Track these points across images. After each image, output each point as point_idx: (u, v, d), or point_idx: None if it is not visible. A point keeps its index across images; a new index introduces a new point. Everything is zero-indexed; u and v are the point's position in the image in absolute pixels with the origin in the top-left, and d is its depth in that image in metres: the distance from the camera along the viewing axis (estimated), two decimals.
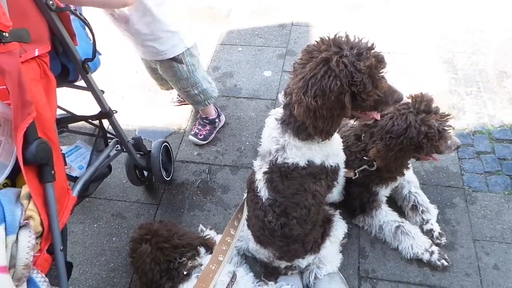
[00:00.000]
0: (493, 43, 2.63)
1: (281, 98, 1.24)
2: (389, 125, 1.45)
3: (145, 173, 2.02)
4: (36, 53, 1.02)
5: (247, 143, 2.23)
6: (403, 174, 1.71)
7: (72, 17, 1.17)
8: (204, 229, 1.83)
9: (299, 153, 1.24)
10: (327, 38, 1.12)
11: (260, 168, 1.36)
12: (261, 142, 1.38)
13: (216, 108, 2.29)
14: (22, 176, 1.12)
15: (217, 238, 1.76)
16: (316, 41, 1.14)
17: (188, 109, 2.44)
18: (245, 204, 1.44)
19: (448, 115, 1.48)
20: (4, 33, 0.86)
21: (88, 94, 1.42)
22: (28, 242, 0.96)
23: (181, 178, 2.10)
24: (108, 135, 1.66)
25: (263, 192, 1.35)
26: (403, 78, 2.37)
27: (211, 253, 1.46)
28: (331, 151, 1.32)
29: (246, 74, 2.63)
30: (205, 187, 2.06)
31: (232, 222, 1.40)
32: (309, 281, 1.62)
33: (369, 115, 1.23)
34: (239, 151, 2.20)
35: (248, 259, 1.73)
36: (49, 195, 1.04)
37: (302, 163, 1.25)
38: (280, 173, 1.28)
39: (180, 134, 2.31)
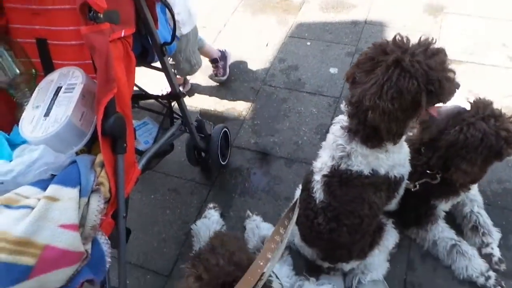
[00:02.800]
0: None
1: (343, 107, 1.24)
2: (462, 139, 1.37)
3: (203, 154, 2.10)
4: (123, 34, 1.09)
5: (305, 138, 2.23)
6: (469, 189, 1.61)
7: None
8: (250, 214, 1.88)
9: (365, 161, 1.23)
10: (385, 42, 1.10)
11: (320, 170, 1.35)
12: (322, 145, 1.39)
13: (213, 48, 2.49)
14: (97, 145, 1.22)
15: (262, 224, 1.81)
16: (371, 46, 1.13)
17: (249, 97, 2.48)
18: (297, 203, 1.45)
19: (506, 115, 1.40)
20: (99, 14, 0.94)
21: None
22: (98, 206, 1.05)
23: (236, 164, 2.16)
24: (174, 115, 1.75)
25: (318, 194, 1.34)
26: (473, 87, 2.23)
27: None
28: (399, 161, 1.30)
29: (311, 69, 2.60)
30: (258, 175, 2.09)
31: (282, 220, 1.42)
32: (352, 284, 1.60)
33: (428, 111, 1.21)
34: (296, 145, 2.20)
35: (292, 251, 1.74)
36: (119, 166, 1.12)
37: (366, 171, 1.24)
38: (340, 178, 1.27)
39: (240, 121, 2.36)
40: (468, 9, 2.82)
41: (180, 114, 1.72)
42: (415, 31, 2.58)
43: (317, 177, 1.35)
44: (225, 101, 2.49)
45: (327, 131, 2.17)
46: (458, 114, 1.44)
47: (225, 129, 2.05)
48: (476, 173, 1.44)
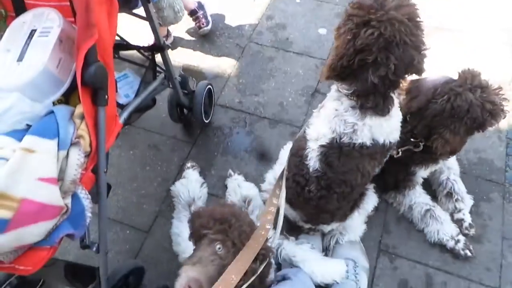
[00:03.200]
0: None
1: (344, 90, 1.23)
2: (448, 108, 1.38)
3: (185, 111, 2.04)
4: None
5: (290, 99, 2.20)
6: (448, 158, 1.65)
7: None
8: (232, 173, 1.88)
9: (369, 133, 1.24)
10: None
11: (316, 139, 1.32)
12: (316, 114, 1.37)
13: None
14: (75, 95, 1.16)
15: (244, 184, 1.81)
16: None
17: (234, 55, 2.40)
18: (285, 169, 1.45)
19: (500, 88, 1.41)
20: None
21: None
22: (77, 159, 1.01)
23: (219, 123, 2.11)
24: (157, 68, 1.67)
25: (313, 162, 1.33)
26: (464, 58, 2.23)
27: None
28: (395, 126, 1.31)
29: (300, 28, 2.52)
30: (241, 135, 2.07)
31: (274, 191, 1.42)
32: (330, 244, 1.65)
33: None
34: (280, 106, 2.17)
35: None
36: (100, 118, 1.07)
37: (368, 142, 1.25)
38: (340, 150, 1.27)
39: (224, 78, 2.29)
40: None
41: (164, 67, 1.64)
42: None
43: (313, 145, 1.33)
44: (209, 57, 2.40)
45: (313, 94, 2.20)
46: (446, 83, 1.44)
47: (209, 86, 1.99)
48: (457, 143, 1.47)
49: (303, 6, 2.64)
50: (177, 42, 2.47)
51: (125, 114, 1.38)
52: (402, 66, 1.09)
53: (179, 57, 2.39)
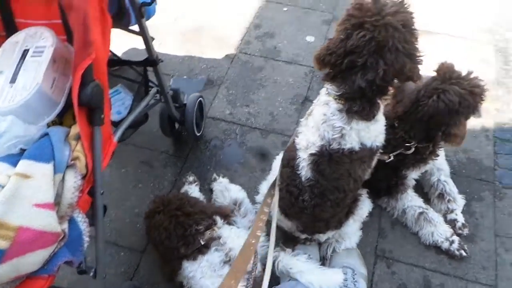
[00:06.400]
0: None
1: (331, 91, 1.23)
2: (442, 106, 1.40)
3: (177, 125, 2.03)
4: None
5: (280, 109, 2.21)
6: (437, 156, 1.68)
7: None
8: (217, 177, 1.87)
9: (357, 137, 1.24)
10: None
11: (306, 148, 1.33)
12: (303, 122, 1.37)
13: None
14: (69, 115, 1.14)
15: (231, 186, 1.81)
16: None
17: (224, 65, 2.40)
18: (277, 181, 1.45)
19: (471, 71, 1.46)
20: None
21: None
22: (74, 182, 0.99)
23: (211, 135, 2.11)
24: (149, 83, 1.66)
25: (305, 171, 1.33)
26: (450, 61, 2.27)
27: (228, 222, 1.50)
28: (381, 129, 1.32)
29: (288, 36, 2.54)
30: (233, 147, 2.06)
31: (265, 199, 1.42)
32: (327, 253, 1.65)
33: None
34: (271, 115, 2.18)
35: (268, 223, 1.75)
36: (96, 139, 1.06)
37: (357, 147, 1.25)
38: (330, 157, 1.27)
39: (214, 90, 2.29)
40: None
41: (156, 82, 1.63)
42: None
43: (303, 155, 1.33)
44: (198, 68, 2.39)
45: (303, 102, 2.22)
46: (426, 85, 1.47)
47: (200, 98, 1.98)
48: (463, 131, 1.50)
49: (290, 14, 2.67)
50: (166, 55, 2.46)
51: (119, 132, 1.36)
52: (391, 72, 1.10)
53: (168, 70, 2.37)
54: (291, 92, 2.27)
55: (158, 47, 2.48)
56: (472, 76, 1.45)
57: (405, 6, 1.11)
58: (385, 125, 1.58)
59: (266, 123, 2.15)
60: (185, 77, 2.35)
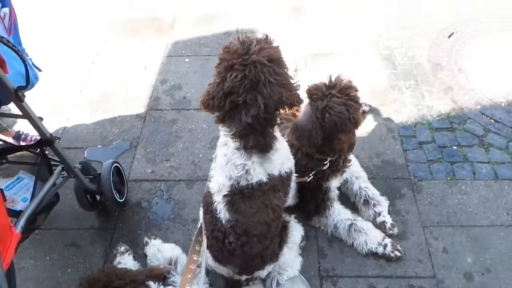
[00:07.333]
0: (426, 37, 2.79)
1: (225, 132, 1.27)
2: (337, 119, 1.48)
3: (98, 197, 1.95)
4: None
5: (201, 155, 2.23)
6: (349, 161, 1.78)
7: None
8: (148, 240, 1.83)
9: (262, 169, 1.28)
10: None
11: (219, 191, 1.35)
12: (213, 166, 1.40)
13: None
14: None
15: (164, 246, 1.77)
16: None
17: (137, 126, 2.39)
18: (203, 228, 1.44)
19: (349, 81, 1.57)
20: None
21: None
22: None
23: (136, 198, 2.06)
24: (53, 162, 1.60)
25: (223, 214, 1.34)
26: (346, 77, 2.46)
27: (164, 284, 1.46)
28: (285, 155, 1.37)
29: (194, 85, 2.61)
30: (161, 204, 2.03)
31: (193, 246, 1.40)
32: (272, 287, 1.64)
33: None
34: (193, 164, 2.19)
35: (210, 273, 1.72)
36: None
37: (264, 178, 1.29)
38: (242, 194, 1.29)
39: (131, 152, 2.26)
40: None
41: (58, 159, 1.58)
42: (282, 31, 2.80)
43: (218, 198, 1.35)
44: (111, 134, 2.36)
45: None
46: (310, 111, 1.54)
47: (116, 164, 1.94)
48: (351, 140, 1.60)
49: (193, 63, 2.76)
50: (76, 127, 2.41)
51: (22, 221, 1.29)
52: (271, 104, 1.16)
53: (80, 143, 2.32)
54: (208, 137, 2.31)
55: (67, 122, 2.43)
56: (337, 82, 1.54)
57: (269, 41, 1.19)
58: (300, 154, 1.65)
59: (189, 173, 2.15)
60: (99, 146, 2.30)
